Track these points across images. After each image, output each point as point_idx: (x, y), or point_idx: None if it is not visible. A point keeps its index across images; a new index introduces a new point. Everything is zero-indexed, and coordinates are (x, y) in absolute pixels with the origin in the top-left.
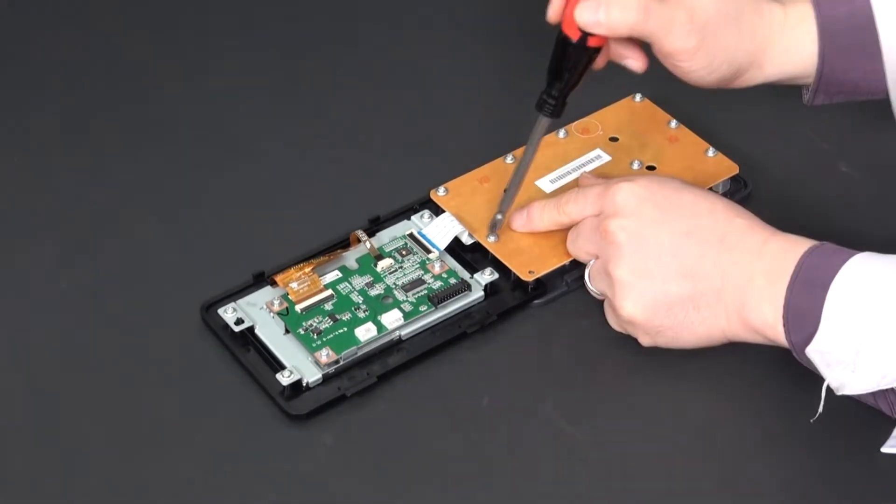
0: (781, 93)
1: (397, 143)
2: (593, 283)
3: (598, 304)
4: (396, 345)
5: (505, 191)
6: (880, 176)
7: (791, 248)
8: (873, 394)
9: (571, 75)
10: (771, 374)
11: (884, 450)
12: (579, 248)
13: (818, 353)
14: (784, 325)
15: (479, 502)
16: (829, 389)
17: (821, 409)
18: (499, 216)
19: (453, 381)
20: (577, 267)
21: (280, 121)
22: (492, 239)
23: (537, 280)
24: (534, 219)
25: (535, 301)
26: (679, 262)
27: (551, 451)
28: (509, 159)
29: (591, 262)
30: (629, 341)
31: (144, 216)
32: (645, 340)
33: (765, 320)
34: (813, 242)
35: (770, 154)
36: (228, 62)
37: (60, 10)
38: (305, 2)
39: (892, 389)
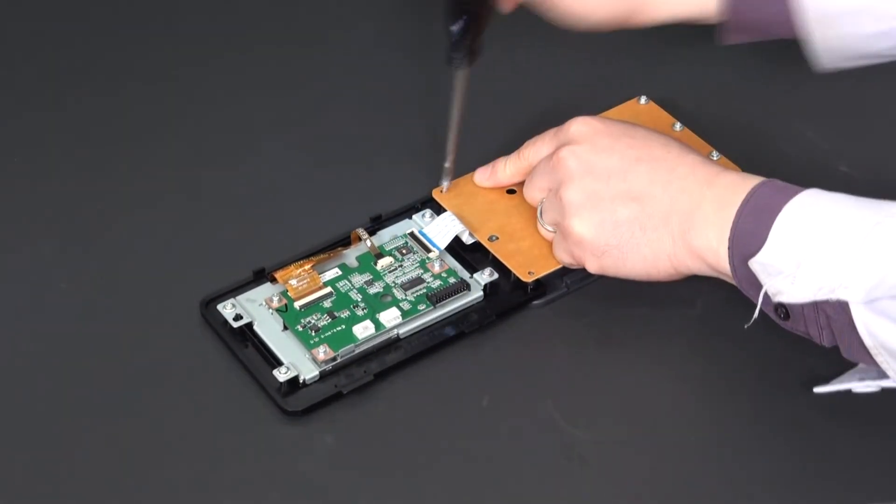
0: (785, 94)
1: (401, 142)
2: (545, 216)
3: (597, 305)
4: (394, 343)
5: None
6: (880, 176)
7: (742, 182)
8: (805, 320)
9: (469, 21)
10: (772, 375)
11: (816, 390)
12: (535, 185)
13: (760, 265)
14: (729, 248)
15: (477, 502)
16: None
17: (756, 315)
18: (446, 164)
19: (452, 380)
20: (577, 269)
21: (283, 117)
22: (445, 185)
23: (537, 281)
24: (497, 172)
25: (535, 302)
26: (628, 185)
27: (551, 451)
28: None
29: (543, 200)
30: (628, 341)
31: (145, 213)
32: (592, 264)
33: (709, 244)
34: (764, 178)
35: (771, 155)
36: (229, 59)
37: (60, 10)
38: (306, 0)
39: (823, 315)
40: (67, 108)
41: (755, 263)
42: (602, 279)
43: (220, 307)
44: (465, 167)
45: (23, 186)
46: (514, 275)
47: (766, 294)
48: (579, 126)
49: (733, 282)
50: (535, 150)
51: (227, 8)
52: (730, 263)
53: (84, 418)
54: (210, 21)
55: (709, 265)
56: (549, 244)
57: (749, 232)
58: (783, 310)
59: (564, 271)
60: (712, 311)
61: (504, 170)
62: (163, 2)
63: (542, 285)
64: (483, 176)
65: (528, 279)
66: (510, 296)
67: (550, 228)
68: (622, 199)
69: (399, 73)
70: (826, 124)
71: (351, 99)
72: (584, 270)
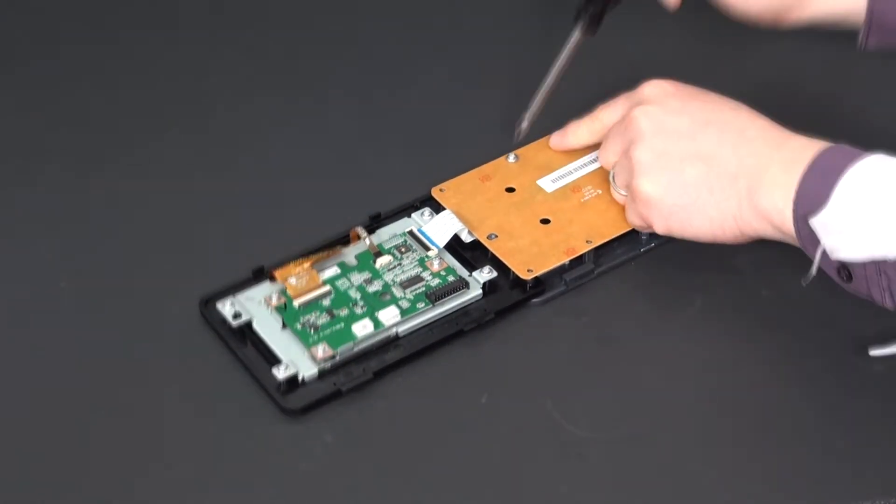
0: (786, 88)
1: (400, 140)
2: (617, 179)
3: (596, 303)
4: (393, 341)
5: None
6: None
7: (811, 145)
8: (867, 282)
9: None
10: (772, 375)
11: (872, 353)
12: (609, 148)
13: (821, 223)
14: (793, 207)
15: (477, 501)
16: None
17: (813, 271)
18: (524, 125)
19: (451, 378)
20: (575, 266)
21: (283, 116)
22: (524, 126)
23: (536, 279)
24: (569, 135)
25: (534, 300)
26: (697, 147)
27: (550, 450)
28: (511, 158)
29: (616, 163)
30: (628, 339)
31: (145, 211)
32: (659, 225)
33: (775, 205)
34: (833, 143)
35: None
36: (229, 58)
37: (59, 8)
38: (306, 0)
39: (885, 277)
40: (67, 108)
41: (816, 222)
42: (602, 277)
43: (219, 306)
44: (462, 165)
45: (23, 186)
46: (513, 273)
47: (830, 258)
48: (652, 88)
49: (797, 243)
50: (610, 112)
51: (228, 7)
52: (794, 223)
53: (83, 417)
54: (211, 20)
55: (774, 226)
56: (549, 241)
57: (813, 192)
58: (846, 272)
59: (564, 269)
60: (712, 310)
61: (576, 134)
62: (164, 1)
63: (541, 283)
64: (557, 140)
65: (527, 277)
66: (509, 294)
67: (623, 192)
68: (691, 159)
69: (399, 71)
70: (827, 121)
71: (350, 98)
72: (582, 268)
